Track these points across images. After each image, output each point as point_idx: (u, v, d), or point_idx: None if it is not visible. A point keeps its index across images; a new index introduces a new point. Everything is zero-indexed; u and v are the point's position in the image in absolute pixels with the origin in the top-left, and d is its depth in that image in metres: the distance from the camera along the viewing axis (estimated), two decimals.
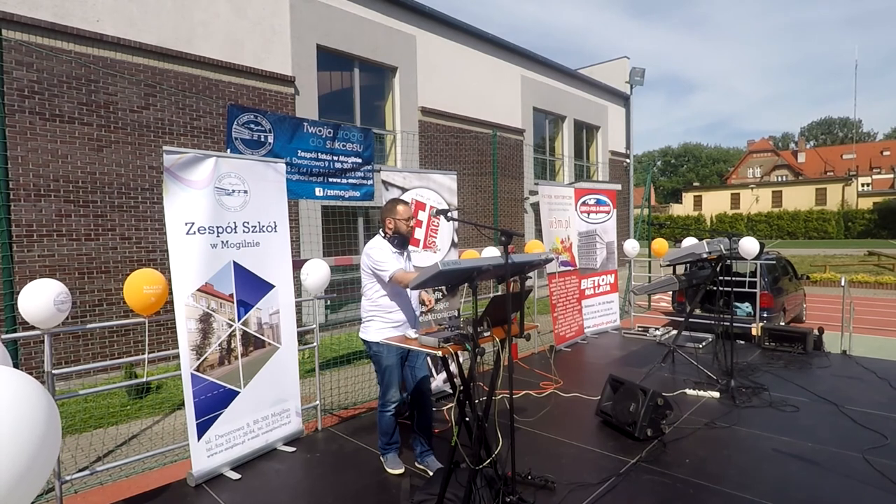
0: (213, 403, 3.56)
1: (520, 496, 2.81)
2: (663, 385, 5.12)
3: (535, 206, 13.19)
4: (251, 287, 3.82)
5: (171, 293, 3.43)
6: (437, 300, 3.97)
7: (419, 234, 5.01)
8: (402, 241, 3.46)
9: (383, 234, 3.46)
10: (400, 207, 3.46)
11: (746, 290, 7.24)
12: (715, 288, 5.62)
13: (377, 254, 3.34)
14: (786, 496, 3.07)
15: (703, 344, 6.80)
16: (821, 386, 5.03)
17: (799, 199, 41.50)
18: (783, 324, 7.69)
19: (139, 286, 3.45)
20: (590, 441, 3.96)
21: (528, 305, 4.46)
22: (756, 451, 3.68)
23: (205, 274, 3.53)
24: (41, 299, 2.99)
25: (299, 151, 4.88)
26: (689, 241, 6.39)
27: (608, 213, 8.12)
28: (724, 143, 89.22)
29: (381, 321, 3.40)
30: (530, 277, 3.20)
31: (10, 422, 1.16)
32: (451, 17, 11.49)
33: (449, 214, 3.21)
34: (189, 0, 7.42)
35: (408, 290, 3.39)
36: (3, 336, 3.09)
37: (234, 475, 3.56)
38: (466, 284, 2.69)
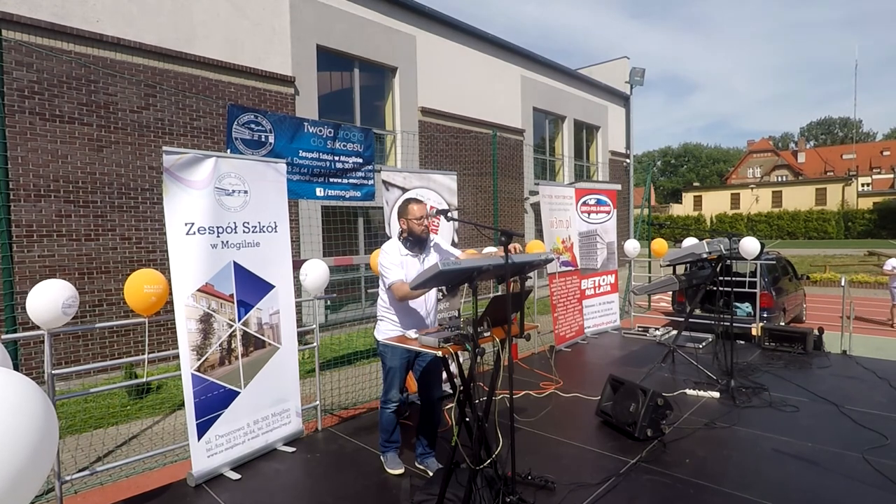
0: (214, 404, 3.56)
1: (520, 496, 2.81)
2: (663, 385, 5.12)
3: (536, 206, 13.19)
4: (251, 287, 3.82)
5: (171, 293, 3.43)
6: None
7: None
8: (415, 241, 3.36)
9: (399, 236, 3.43)
10: (412, 207, 3.35)
11: (746, 290, 7.24)
12: (715, 288, 5.62)
13: (384, 258, 3.31)
14: (786, 496, 3.07)
15: (703, 344, 6.80)
16: (821, 386, 5.03)
17: (799, 199, 41.50)
18: (783, 324, 7.69)
19: (140, 286, 3.44)
20: (590, 441, 3.96)
21: (528, 305, 4.46)
22: (756, 451, 3.68)
23: (205, 274, 3.52)
24: (50, 300, 2.99)
25: (301, 151, 4.88)
26: (690, 242, 6.39)
27: (608, 213, 8.12)
28: (724, 143, 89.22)
29: (389, 322, 3.39)
30: (530, 277, 3.20)
31: (7, 423, 1.16)
32: (451, 17, 11.49)
33: (449, 214, 3.21)
34: (189, 0, 7.43)
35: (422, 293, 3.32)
36: (4, 336, 3.09)
37: (234, 475, 3.56)
38: (466, 284, 2.69)
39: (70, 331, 5.14)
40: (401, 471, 3.52)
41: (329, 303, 8.58)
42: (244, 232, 3.78)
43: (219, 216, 3.62)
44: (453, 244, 5.35)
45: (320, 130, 5.07)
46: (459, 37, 11.82)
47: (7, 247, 3.58)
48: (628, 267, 8.56)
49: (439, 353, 2.60)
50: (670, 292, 8.83)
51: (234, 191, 3.74)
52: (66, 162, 6.33)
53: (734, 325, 5.23)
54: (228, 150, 4.42)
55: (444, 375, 3.26)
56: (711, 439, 3.91)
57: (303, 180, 4.94)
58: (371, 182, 5.54)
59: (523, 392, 5.11)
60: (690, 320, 6.06)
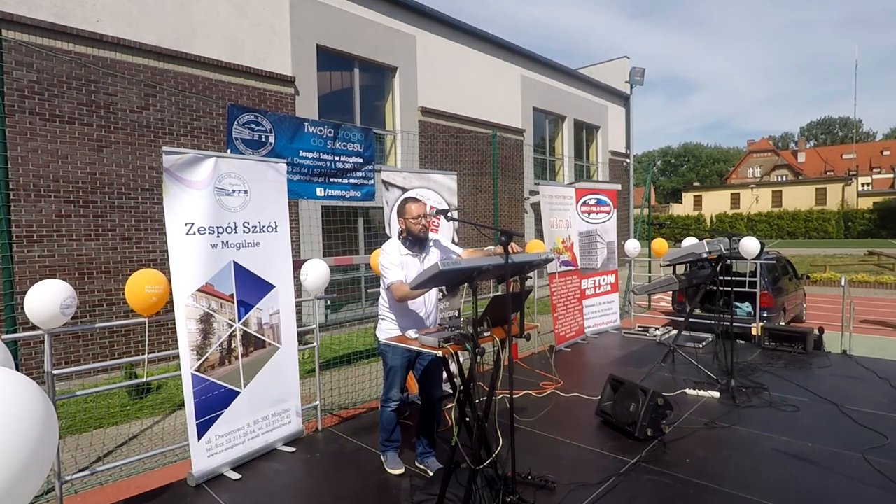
0: (214, 403, 3.56)
1: (520, 496, 2.81)
2: (663, 385, 5.12)
3: (536, 206, 13.19)
4: (251, 287, 3.82)
5: (171, 293, 3.43)
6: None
7: None
8: (415, 241, 3.36)
9: (398, 236, 3.43)
10: (410, 206, 3.33)
11: (746, 289, 7.24)
12: (715, 288, 5.62)
13: (384, 258, 3.31)
14: (786, 496, 3.07)
15: (703, 344, 6.80)
16: (821, 386, 5.03)
17: (799, 198, 41.50)
18: (783, 324, 7.69)
19: (141, 286, 3.45)
20: (590, 441, 3.96)
21: (528, 305, 4.46)
22: (756, 451, 3.68)
23: (205, 274, 3.52)
24: (48, 300, 2.99)
25: (301, 151, 4.88)
26: (690, 241, 6.39)
27: (608, 213, 8.12)
28: (724, 143, 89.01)
29: (390, 321, 3.39)
30: (530, 277, 3.20)
31: (7, 423, 1.16)
32: (451, 17, 11.49)
33: (449, 214, 3.21)
34: (189, 0, 7.43)
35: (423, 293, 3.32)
36: (4, 336, 3.09)
37: (235, 475, 3.56)
38: (466, 284, 2.69)
39: (70, 331, 5.14)
40: (401, 471, 3.51)
41: (329, 303, 8.58)
42: (244, 232, 3.78)
43: (219, 216, 3.62)
44: (453, 244, 5.36)
45: (320, 130, 5.07)
46: (459, 37, 11.82)
47: (7, 247, 3.58)
48: (628, 267, 8.57)
49: (439, 353, 2.60)
50: (670, 292, 8.83)
51: (234, 191, 3.74)
52: (66, 162, 6.33)
53: (734, 324, 5.23)
54: (228, 150, 4.42)
55: (444, 375, 3.26)
56: (711, 439, 3.91)
57: (303, 180, 4.94)
58: (371, 182, 5.54)
59: (523, 392, 5.11)
60: (690, 320, 6.06)
